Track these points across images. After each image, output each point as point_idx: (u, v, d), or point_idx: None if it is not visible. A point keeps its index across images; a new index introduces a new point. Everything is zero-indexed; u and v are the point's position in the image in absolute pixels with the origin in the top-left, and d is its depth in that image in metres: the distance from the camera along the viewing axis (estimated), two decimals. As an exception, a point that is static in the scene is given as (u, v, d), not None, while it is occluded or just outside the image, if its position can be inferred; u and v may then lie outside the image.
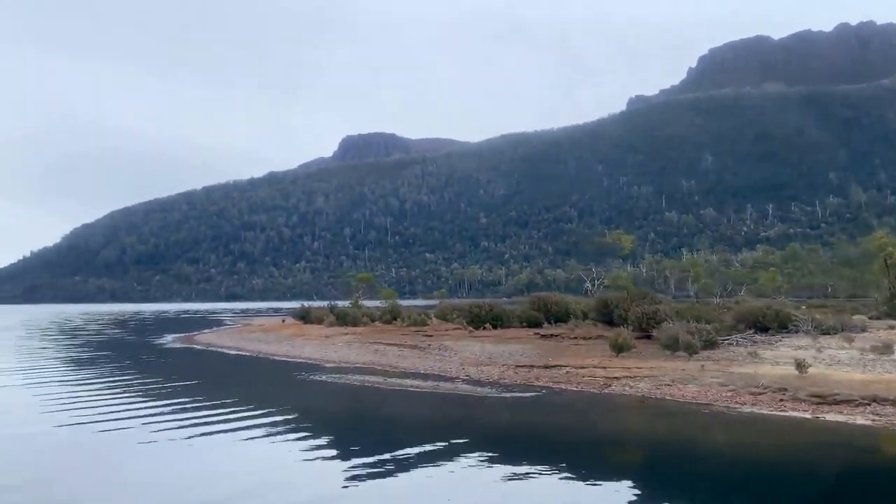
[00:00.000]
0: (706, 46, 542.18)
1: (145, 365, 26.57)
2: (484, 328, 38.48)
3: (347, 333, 39.78)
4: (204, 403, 16.03)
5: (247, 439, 12.19)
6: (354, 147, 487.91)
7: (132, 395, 17.51)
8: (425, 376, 20.70)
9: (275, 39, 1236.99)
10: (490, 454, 11.06)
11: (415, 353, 27.40)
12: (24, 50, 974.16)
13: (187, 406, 15.57)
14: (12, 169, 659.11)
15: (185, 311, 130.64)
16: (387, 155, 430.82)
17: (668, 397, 15.69)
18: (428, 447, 11.40)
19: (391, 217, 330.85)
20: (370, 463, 10.44)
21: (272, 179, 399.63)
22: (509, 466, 10.25)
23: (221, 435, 12.59)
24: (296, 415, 14.93)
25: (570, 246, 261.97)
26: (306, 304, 57.13)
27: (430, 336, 35.80)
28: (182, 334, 49.10)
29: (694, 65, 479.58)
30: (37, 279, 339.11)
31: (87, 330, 59.46)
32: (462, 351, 27.36)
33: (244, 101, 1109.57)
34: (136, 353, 34.54)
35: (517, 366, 21.66)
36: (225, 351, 34.21)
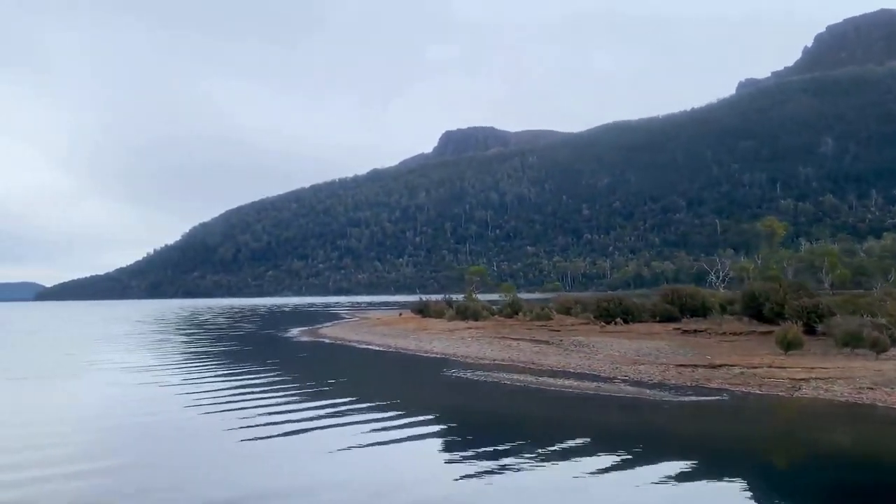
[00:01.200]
0: (823, 24, 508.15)
1: (287, 361, 26.73)
2: (615, 323, 36.92)
3: (470, 328, 39.13)
4: (361, 404, 15.54)
5: (422, 445, 11.50)
6: (454, 142, 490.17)
7: (287, 395, 17.24)
8: (578, 376, 19.51)
9: (377, 38, 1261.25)
10: (689, 469, 9.80)
11: (552, 350, 26.23)
12: (142, 59, 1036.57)
13: (351, 408, 15.05)
14: (136, 173, 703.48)
15: (300, 305, 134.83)
16: (486, 149, 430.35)
17: (878, 403, 13.85)
18: (614, 459, 10.24)
19: (491, 210, 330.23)
20: (555, 475, 9.46)
21: (375, 176, 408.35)
22: (713, 486, 9.02)
23: (391, 440, 11.97)
24: (459, 417, 14.18)
25: (679, 237, 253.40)
26: (423, 297, 57.08)
27: (558, 331, 34.55)
28: (306, 328, 50.03)
29: (810, 44, 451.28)
30: (160, 276, 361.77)
31: (218, 324, 61.80)
32: (603, 347, 25.97)
33: (348, 101, 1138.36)
34: (271, 347, 35.14)
35: (678, 365, 20.11)
36: (355, 345, 34.23)
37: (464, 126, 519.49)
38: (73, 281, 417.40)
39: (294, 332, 46.19)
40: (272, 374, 21.51)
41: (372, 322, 51.23)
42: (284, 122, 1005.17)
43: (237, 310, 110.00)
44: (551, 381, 18.47)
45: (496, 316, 46.41)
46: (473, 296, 56.07)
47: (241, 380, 20.11)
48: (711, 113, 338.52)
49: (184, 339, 41.11)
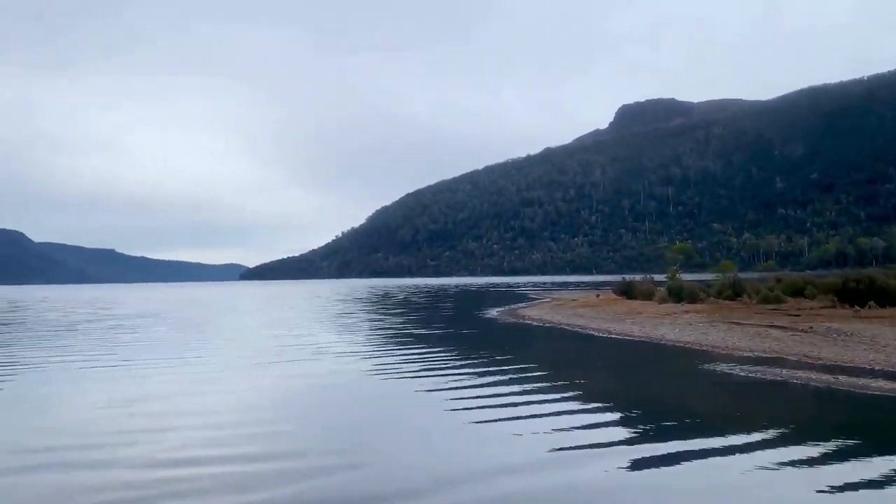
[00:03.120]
0: None
1: (515, 347, 25.16)
2: (868, 306, 32.03)
3: (688, 311, 35.77)
4: (636, 411, 13.42)
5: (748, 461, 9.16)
6: (631, 116, 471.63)
7: (542, 392, 15.45)
8: (885, 375, 16.06)
9: (552, 14, 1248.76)
10: None
11: (820, 340, 22.53)
12: (320, 54, 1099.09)
13: (635, 419, 13.02)
14: (323, 162, 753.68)
15: (482, 286, 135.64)
16: (666, 121, 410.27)
17: None
18: None
19: (672, 186, 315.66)
20: None
21: (548, 155, 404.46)
22: None
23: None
24: (794, 435, 11.58)
25: (890, 210, 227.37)
26: (627, 277, 54.00)
27: (797, 316, 30.36)
28: (503, 309, 49.04)
29: None
30: (346, 256, 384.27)
31: (417, 303, 62.64)
32: (878, 337, 21.94)
33: (522, 80, 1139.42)
34: (488, 330, 33.66)
35: None
36: (567, 328, 32.23)
37: (642, 98, 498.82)
38: (271, 262, 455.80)
39: (493, 312, 45.13)
40: (514, 365, 19.81)
41: (571, 303, 49.19)
42: (460, 104, 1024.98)
43: (425, 289, 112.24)
44: (856, 381, 15.19)
45: (711, 298, 42.55)
46: (677, 276, 52.27)
47: (483, 371, 18.67)
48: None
49: (395, 319, 41.01)
